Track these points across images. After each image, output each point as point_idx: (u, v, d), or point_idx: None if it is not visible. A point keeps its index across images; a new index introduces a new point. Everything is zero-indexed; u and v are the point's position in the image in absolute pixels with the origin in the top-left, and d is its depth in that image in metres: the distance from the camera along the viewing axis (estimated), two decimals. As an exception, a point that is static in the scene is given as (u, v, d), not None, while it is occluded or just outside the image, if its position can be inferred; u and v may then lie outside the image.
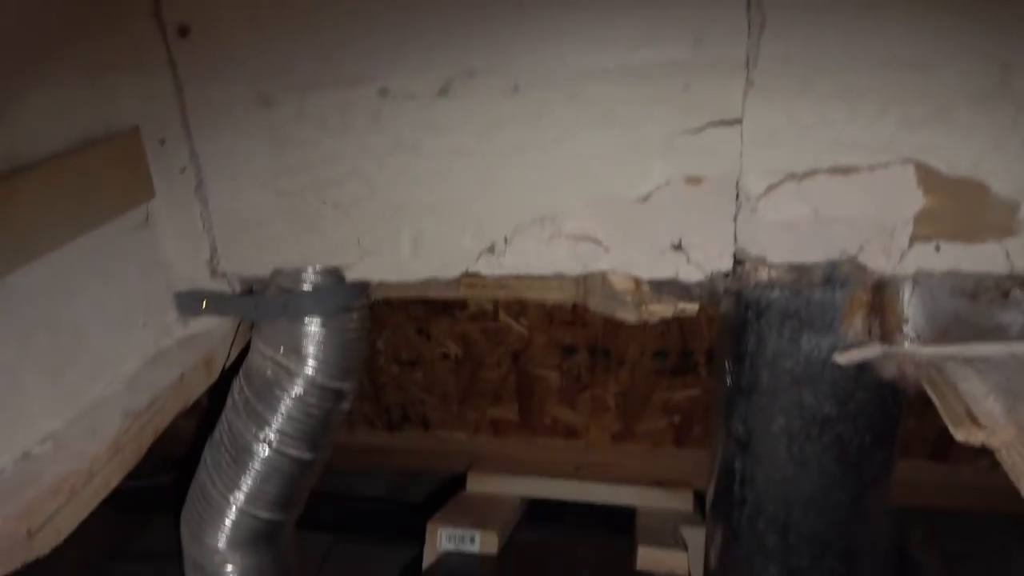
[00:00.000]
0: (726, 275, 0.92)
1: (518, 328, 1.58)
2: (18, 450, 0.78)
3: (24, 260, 0.74)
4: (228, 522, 1.10)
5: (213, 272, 1.00)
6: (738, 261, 0.90)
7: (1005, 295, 0.81)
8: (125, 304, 0.93)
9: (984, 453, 1.65)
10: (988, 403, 0.79)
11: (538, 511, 1.61)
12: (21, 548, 0.70)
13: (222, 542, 1.11)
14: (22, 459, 0.78)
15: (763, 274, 0.90)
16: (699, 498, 1.57)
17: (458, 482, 1.74)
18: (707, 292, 0.96)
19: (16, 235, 0.72)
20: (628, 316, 1.07)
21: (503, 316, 1.57)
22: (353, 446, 1.84)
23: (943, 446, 1.56)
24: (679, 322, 1.52)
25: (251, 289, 1.04)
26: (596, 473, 1.68)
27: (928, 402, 1.54)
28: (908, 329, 0.84)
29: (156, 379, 0.91)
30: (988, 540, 2.03)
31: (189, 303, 1.01)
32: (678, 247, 0.91)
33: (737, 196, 0.85)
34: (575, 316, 1.54)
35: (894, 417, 0.98)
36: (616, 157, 0.86)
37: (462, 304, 1.58)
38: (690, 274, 0.92)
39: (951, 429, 0.78)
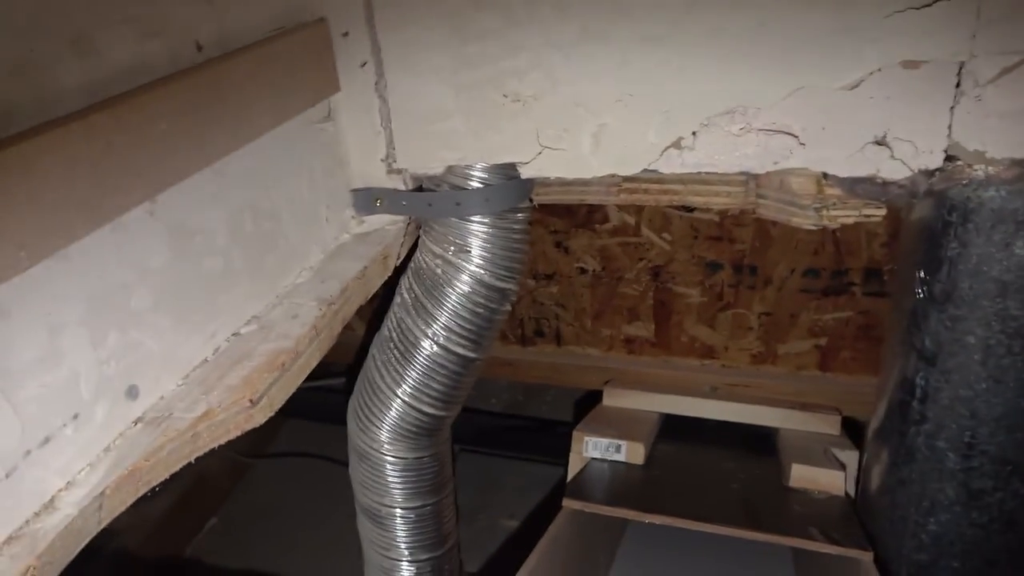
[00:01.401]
0: (932, 173, 0.85)
1: (660, 243, 1.55)
2: (230, 330, 0.83)
3: (237, 144, 0.76)
4: (394, 414, 1.14)
5: (389, 169, 1.02)
6: (950, 157, 0.83)
7: None
8: (312, 197, 0.95)
9: None
10: None
11: (673, 429, 1.61)
12: (244, 416, 0.74)
13: (387, 433, 1.16)
14: (234, 337, 0.82)
15: (979, 171, 0.83)
16: (847, 424, 1.52)
17: (589, 399, 1.76)
18: (906, 193, 0.90)
19: (230, 119, 0.75)
20: (805, 222, 1.02)
21: (645, 230, 1.54)
22: (485, 359, 1.87)
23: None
24: (835, 238, 1.44)
25: (421, 187, 1.05)
26: (733, 394, 1.65)
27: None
28: None
29: (342, 270, 0.94)
30: None
31: (365, 200, 1.03)
32: (882, 141, 0.85)
33: (959, 83, 0.78)
34: (722, 231, 1.49)
35: (1109, 333, 0.91)
36: (824, 41, 0.80)
37: (603, 218, 1.56)
38: (893, 171, 0.86)
39: None
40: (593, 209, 1.55)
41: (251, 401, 0.74)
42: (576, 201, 1.17)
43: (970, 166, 0.83)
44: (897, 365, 1.05)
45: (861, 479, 1.24)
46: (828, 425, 1.49)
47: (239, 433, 0.76)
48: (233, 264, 0.81)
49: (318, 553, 2.00)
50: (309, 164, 0.94)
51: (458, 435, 2.31)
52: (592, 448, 1.33)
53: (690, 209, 1.48)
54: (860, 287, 1.47)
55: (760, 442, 1.53)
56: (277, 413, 0.80)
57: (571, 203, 1.24)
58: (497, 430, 2.23)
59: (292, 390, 0.81)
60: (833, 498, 1.20)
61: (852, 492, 1.30)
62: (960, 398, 0.97)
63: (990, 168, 0.82)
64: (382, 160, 1.01)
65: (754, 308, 1.58)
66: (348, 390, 1.21)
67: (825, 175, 0.92)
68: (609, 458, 1.32)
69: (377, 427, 1.16)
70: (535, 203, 1.11)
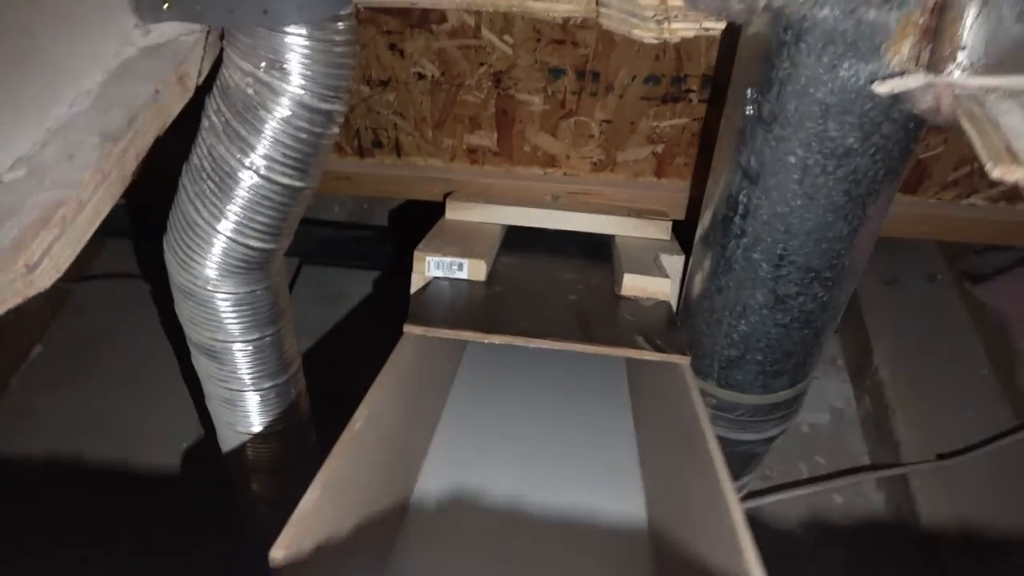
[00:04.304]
0: (773, -11, 0.82)
1: (502, 46, 1.45)
2: (-13, 177, 0.69)
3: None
4: (217, 251, 1.06)
5: (173, -34, 0.84)
6: (790, -29, 0.80)
7: (1076, 20, 0.75)
8: (72, 3, 0.77)
9: (951, 186, 1.69)
10: (1030, 139, 0.77)
11: (515, 239, 1.63)
12: (21, 283, 0.64)
13: (212, 271, 1.07)
14: (-5, 187, 0.69)
15: (816, -12, 0.80)
16: (675, 228, 1.61)
17: (422, 208, 1.73)
18: (746, 8, 0.87)
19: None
20: (647, 35, 0.98)
21: (486, 32, 1.43)
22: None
23: (913, 181, 1.60)
24: (676, 46, 1.41)
25: (220, -11, 0.88)
26: (574, 203, 1.68)
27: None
28: (962, 57, 0.78)
29: (128, 95, 0.80)
30: (916, 265, 2.23)
31: (150, 4, 0.86)
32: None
33: None
34: (566, 34, 1.41)
35: (909, 151, 0.97)
36: None
37: (440, 17, 1.42)
38: (735, -14, 0.82)
39: (986, 165, 0.76)
40: (428, 8, 1.40)
41: (27, 267, 0.64)
42: (407, 4, 1.05)
43: (809, -18, 0.80)
44: (723, 180, 1.09)
45: (685, 284, 1.33)
46: (660, 231, 1.57)
47: (20, 302, 0.66)
48: (-24, 97, 0.66)
49: (148, 384, 1.95)
50: (63, -41, 0.75)
51: (299, 249, 2.24)
52: (434, 267, 1.32)
53: (532, 9, 1.37)
54: (697, 94, 1.48)
55: (597, 249, 1.59)
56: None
57: (403, 6, 1.10)
58: (340, 241, 2.18)
59: (80, 246, 0.71)
60: (659, 304, 1.29)
61: (676, 295, 1.40)
62: (777, 214, 1.02)
63: (827, -14, 0.80)
64: (163, -46, 0.83)
65: (596, 116, 1.55)
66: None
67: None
68: (452, 276, 1.32)
69: (199, 264, 1.07)
70: (360, 6, 0.98)
